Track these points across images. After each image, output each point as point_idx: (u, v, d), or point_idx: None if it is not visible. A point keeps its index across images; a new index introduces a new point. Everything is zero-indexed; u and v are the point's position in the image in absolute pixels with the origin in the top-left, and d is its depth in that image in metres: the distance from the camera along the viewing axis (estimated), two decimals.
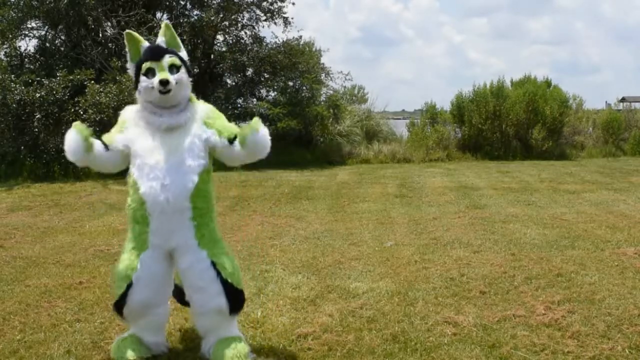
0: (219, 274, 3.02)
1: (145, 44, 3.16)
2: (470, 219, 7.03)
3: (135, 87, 3.13)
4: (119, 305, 3.14)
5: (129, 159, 3.10)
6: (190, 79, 3.18)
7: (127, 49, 3.17)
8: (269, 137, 3.06)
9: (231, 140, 3.05)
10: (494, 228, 6.49)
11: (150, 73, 3.03)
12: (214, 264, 3.03)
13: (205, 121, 3.11)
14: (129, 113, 3.21)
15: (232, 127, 3.12)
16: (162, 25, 3.22)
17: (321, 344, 3.36)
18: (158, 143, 3.01)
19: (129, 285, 3.06)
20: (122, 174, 3.29)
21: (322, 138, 15.43)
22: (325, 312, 3.88)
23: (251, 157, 3.11)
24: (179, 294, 3.36)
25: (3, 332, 3.58)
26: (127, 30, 3.20)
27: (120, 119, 3.22)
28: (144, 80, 3.04)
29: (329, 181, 11.11)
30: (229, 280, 3.04)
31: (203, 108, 3.19)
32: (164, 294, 3.22)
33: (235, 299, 3.08)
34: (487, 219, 6.99)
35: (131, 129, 3.09)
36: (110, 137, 3.12)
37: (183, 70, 3.10)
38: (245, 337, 3.32)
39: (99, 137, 3.10)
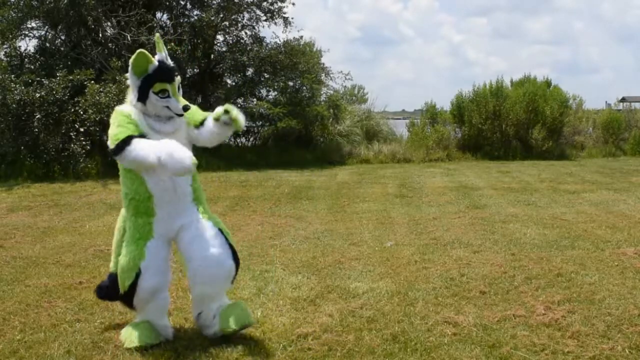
0: (226, 239, 3.36)
1: (155, 63, 3.27)
2: (470, 219, 7.03)
3: (139, 100, 3.27)
4: (129, 295, 3.33)
5: None
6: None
7: (132, 63, 3.24)
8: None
9: (197, 126, 3.40)
10: (494, 228, 6.48)
11: (162, 92, 3.25)
12: (220, 231, 3.37)
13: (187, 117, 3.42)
14: (134, 115, 3.28)
15: (200, 114, 3.44)
16: (156, 39, 3.39)
17: (321, 344, 3.36)
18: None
19: (138, 275, 3.28)
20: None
21: (322, 138, 15.42)
22: (325, 312, 3.88)
23: (227, 131, 3.39)
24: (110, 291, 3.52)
25: (3, 332, 3.59)
26: (141, 50, 3.28)
27: (126, 117, 3.26)
28: (157, 99, 3.25)
29: (329, 181, 11.11)
30: (232, 244, 3.38)
31: None
32: (167, 279, 3.44)
33: (237, 260, 3.39)
34: (487, 219, 6.99)
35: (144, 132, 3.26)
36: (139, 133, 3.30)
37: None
38: (243, 332, 3.47)
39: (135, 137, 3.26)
